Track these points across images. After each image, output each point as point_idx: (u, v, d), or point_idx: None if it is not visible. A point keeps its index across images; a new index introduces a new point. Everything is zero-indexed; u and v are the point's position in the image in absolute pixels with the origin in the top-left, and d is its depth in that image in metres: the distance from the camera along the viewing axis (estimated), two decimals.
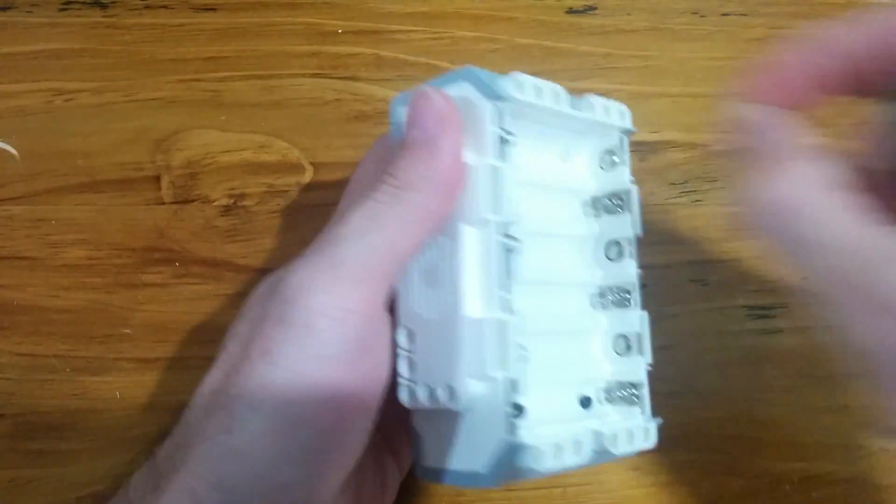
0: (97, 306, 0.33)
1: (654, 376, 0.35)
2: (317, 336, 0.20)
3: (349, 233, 0.21)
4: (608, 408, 0.26)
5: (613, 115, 0.26)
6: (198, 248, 0.34)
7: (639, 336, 0.26)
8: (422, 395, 0.23)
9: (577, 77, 0.38)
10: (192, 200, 0.35)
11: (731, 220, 0.37)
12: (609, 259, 0.27)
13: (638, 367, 0.25)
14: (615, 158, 0.27)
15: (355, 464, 0.22)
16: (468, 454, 0.22)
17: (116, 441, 0.32)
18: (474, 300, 0.22)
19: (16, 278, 0.33)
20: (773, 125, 0.19)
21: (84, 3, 0.37)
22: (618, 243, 0.26)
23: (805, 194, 0.18)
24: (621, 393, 0.26)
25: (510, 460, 0.20)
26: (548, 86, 0.24)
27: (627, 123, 0.27)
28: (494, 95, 0.22)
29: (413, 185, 0.21)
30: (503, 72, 0.38)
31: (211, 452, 0.19)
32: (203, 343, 0.33)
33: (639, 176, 0.37)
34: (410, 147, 0.22)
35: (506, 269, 0.22)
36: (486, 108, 0.22)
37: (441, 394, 0.22)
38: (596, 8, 0.40)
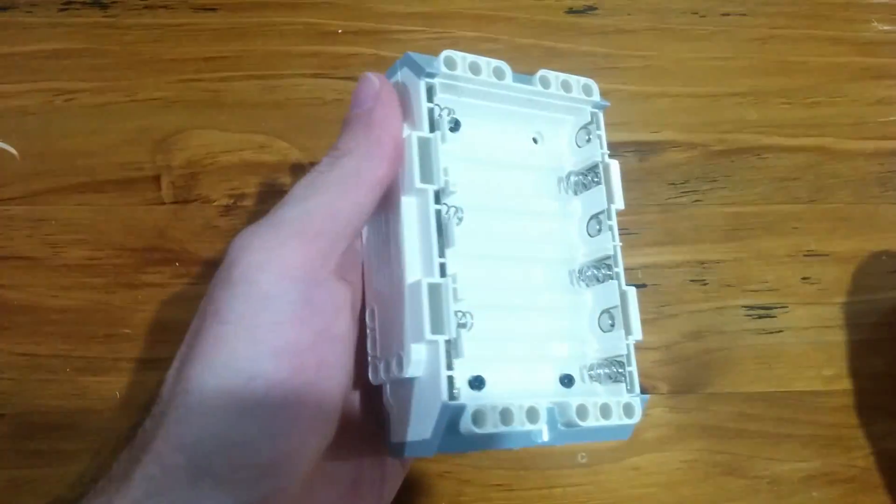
0: (97, 306, 0.33)
1: (654, 375, 0.35)
2: (259, 290, 0.20)
3: (290, 198, 0.22)
4: (594, 386, 0.25)
5: (575, 89, 0.26)
6: (198, 248, 0.34)
7: (621, 311, 0.25)
8: (382, 370, 0.24)
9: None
10: (193, 200, 0.35)
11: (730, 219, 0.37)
12: (590, 235, 0.27)
13: (621, 343, 0.25)
14: (589, 135, 0.27)
15: (331, 431, 0.22)
16: (421, 423, 0.22)
17: (116, 441, 0.32)
18: (414, 267, 0.23)
19: (16, 278, 0.33)
20: None
21: (84, 3, 0.37)
22: (597, 218, 0.26)
23: None
24: (606, 370, 0.25)
25: (450, 422, 0.21)
26: (488, 62, 0.24)
27: (595, 97, 0.26)
28: (424, 73, 0.23)
29: (349, 152, 0.23)
30: None
31: (173, 416, 0.20)
32: None
33: (639, 176, 0.38)
34: (349, 121, 0.24)
35: (441, 236, 0.22)
36: (418, 85, 0.23)
37: (394, 364, 0.23)
38: (596, 8, 0.40)
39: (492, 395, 0.24)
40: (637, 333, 0.25)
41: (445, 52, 0.24)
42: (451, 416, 0.21)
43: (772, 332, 0.36)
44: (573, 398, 0.23)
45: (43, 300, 0.33)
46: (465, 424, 0.21)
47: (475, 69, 0.24)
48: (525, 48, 0.39)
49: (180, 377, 0.21)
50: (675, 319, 0.36)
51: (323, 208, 0.22)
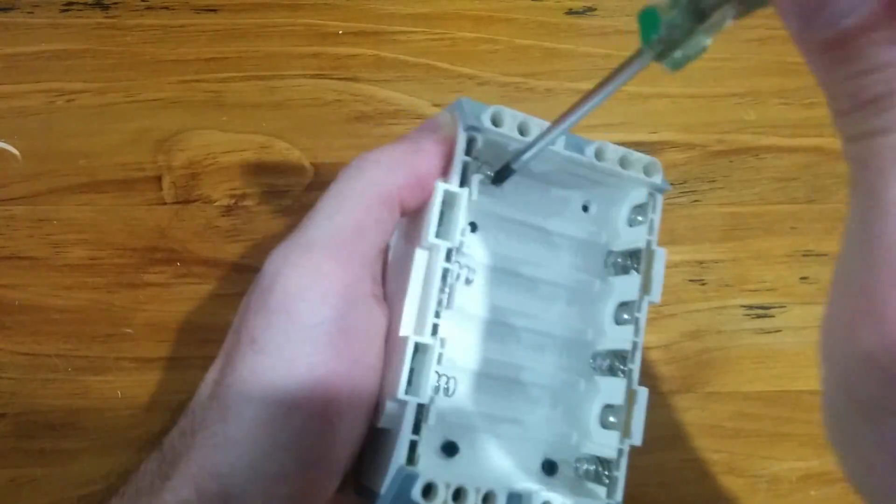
0: (99, 306, 0.33)
1: (652, 375, 0.35)
2: (297, 321, 0.20)
3: (318, 214, 0.22)
4: (579, 481, 0.24)
5: (634, 166, 0.24)
6: (199, 248, 0.34)
7: (623, 411, 0.23)
8: (379, 412, 0.23)
9: (577, 78, 0.38)
10: (194, 201, 0.35)
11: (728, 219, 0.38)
12: (616, 323, 0.25)
13: (614, 444, 0.23)
14: (640, 217, 0.25)
15: (354, 456, 0.22)
16: (384, 477, 0.21)
17: (118, 440, 0.32)
18: (409, 321, 0.22)
19: (17, 278, 0.33)
20: None
21: (85, 4, 0.37)
22: (627, 307, 0.24)
23: None
24: (593, 468, 0.24)
25: (401, 488, 0.20)
26: (540, 124, 0.23)
27: (655, 178, 0.24)
28: (467, 126, 0.22)
29: (377, 162, 0.22)
30: (503, 72, 0.39)
31: (209, 442, 0.20)
32: (204, 343, 0.33)
33: None
34: (402, 137, 0.23)
35: (442, 296, 0.21)
36: (461, 136, 0.22)
37: (380, 411, 0.22)
38: (595, 9, 0.40)
39: (463, 466, 0.23)
40: (636, 438, 0.23)
41: (494, 108, 0.22)
42: (403, 481, 0.20)
43: (770, 332, 0.36)
44: (539, 492, 0.21)
45: (44, 300, 0.33)
46: (416, 495, 0.20)
47: (524, 129, 0.23)
48: (524, 49, 0.39)
49: (216, 401, 0.20)
50: (674, 319, 0.36)
51: (350, 226, 0.21)
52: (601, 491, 0.23)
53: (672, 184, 0.38)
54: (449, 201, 0.22)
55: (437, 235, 0.22)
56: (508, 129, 0.22)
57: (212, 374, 0.23)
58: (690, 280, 0.36)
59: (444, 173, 0.23)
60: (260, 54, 0.37)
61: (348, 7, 0.38)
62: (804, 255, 0.37)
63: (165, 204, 0.35)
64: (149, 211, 0.34)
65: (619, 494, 0.23)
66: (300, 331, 0.20)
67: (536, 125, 0.23)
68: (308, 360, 0.20)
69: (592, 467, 0.24)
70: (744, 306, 0.36)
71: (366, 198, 0.22)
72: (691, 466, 0.34)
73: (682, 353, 0.35)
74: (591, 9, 0.40)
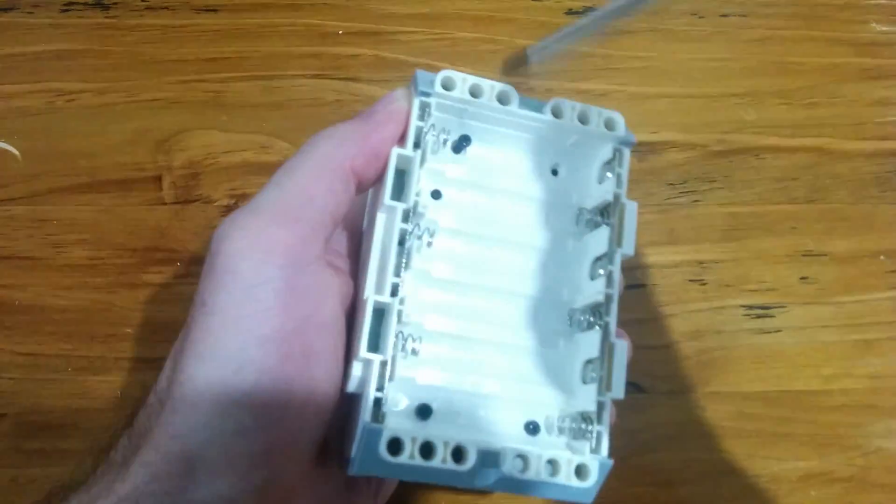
0: (99, 306, 0.33)
1: (653, 375, 0.35)
2: (241, 279, 0.20)
3: (269, 184, 0.22)
4: (562, 439, 0.24)
5: (594, 122, 0.24)
6: (199, 248, 0.34)
7: (603, 364, 0.23)
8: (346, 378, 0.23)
9: (577, 78, 0.38)
10: (194, 200, 0.35)
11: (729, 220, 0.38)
12: (591, 278, 0.25)
13: (593, 398, 0.23)
14: (608, 173, 0.25)
15: (324, 421, 0.22)
16: (353, 440, 0.21)
17: (114, 437, 0.32)
18: (371, 283, 0.22)
19: (18, 278, 0.33)
20: None
21: (86, 4, 0.37)
22: (601, 261, 0.24)
23: None
24: (573, 425, 0.23)
25: (368, 445, 0.20)
26: (492, 86, 0.23)
27: (618, 131, 0.24)
28: (419, 92, 0.23)
29: (330, 136, 0.23)
30: (503, 72, 0.38)
31: (168, 406, 0.20)
32: None
33: (638, 176, 0.38)
34: (356, 116, 0.24)
35: (400, 256, 0.22)
36: (414, 102, 0.23)
37: (347, 375, 0.22)
38: (595, 9, 0.40)
39: (439, 428, 0.23)
40: (617, 391, 0.22)
41: (444, 73, 0.23)
42: (369, 438, 0.20)
43: (770, 332, 0.36)
44: (514, 446, 0.21)
45: (45, 300, 0.33)
46: (382, 450, 0.20)
47: (476, 91, 0.23)
48: (524, 49, 0.39)
49: (175, 368, 0.21)
50: (674, 319, 0.36)
51: (298, 193, 0.22)
52: (586, 447, 0.23)
53: (672, 184, 0.38)
54: (402, 164, 0.23)
55: (393, 198, 0.22)
56: (460, 91, 0.23)
57: (173, 349, 0.23)
58: (690, 280, 0.36)
59: (401, 142, 0.23)
60: (260, 54, 0.37)
61: (348, 7, 0.38)
62: (804, 256, 0.37)
63: (165, 204, 0.35)
64: (149, 211, 0.34)
65: (605, 449, 0.22)
66: (245, 289, 0.20)
67: (489, 86, 0.23)
68: (255, 316, 0.20)
69: (576, 424, 0.23)
70: (744, 306, 0.36)
71: (316, 168, 0.22)
72: (691, 466, 0.34)
73: (682, 353, 0.35)
74: (590, 9, 0.40)
